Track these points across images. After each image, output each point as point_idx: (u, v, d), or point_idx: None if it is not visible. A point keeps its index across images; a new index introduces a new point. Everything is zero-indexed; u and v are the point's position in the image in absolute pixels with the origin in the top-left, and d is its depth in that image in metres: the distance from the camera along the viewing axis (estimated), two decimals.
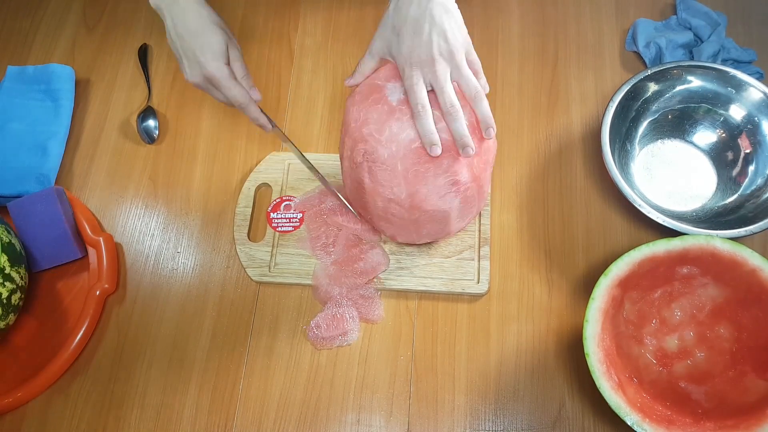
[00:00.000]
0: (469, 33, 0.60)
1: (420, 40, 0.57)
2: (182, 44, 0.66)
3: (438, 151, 0.58)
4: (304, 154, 0.75)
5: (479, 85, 0.59)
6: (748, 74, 0.75)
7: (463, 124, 0.57)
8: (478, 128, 0.60)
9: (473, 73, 0.60)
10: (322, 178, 0.74)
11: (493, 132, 0.59)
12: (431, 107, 0.58)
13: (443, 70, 0.58)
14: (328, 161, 0.80)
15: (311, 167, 0.74)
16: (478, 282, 0.72)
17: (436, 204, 0.61)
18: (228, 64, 0.67)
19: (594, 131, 0.81)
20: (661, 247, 0.64)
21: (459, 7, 0.60)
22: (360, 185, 0.63)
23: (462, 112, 0.58)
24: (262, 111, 0.70)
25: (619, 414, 0.59)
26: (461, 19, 0.59)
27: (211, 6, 0.68)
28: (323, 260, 0.74)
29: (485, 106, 0.59)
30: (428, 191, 0.60)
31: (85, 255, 0.77)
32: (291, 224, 0.76)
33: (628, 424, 0.59)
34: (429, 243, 0.74)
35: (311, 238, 0.75)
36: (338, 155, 0.80)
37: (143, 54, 0.89)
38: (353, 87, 0.65)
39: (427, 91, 0.58)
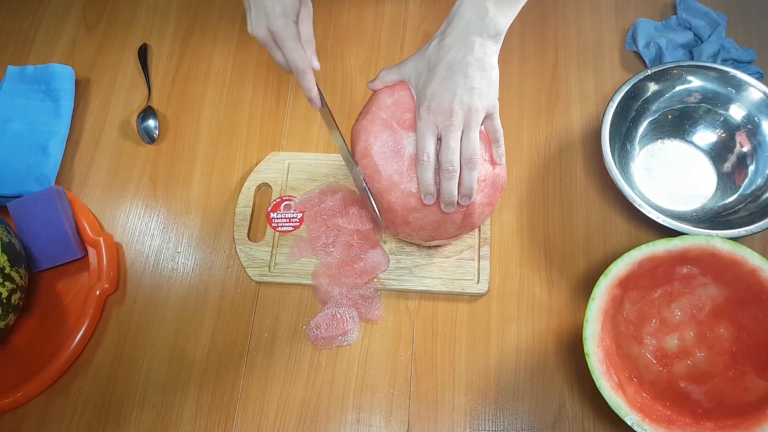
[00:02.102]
0: None
1: (446, 87, 0.57)
2: None
3: (431, 201, 0.60)
4: (306, 153, 0.74)
5: (477, 155, 0.58)
6: (748, 74, 0.75)
7: (454, 185, 0.59)
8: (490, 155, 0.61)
9: (492, 140, 0.60)
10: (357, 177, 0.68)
11: (468, 200, 0.60)
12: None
13: (456, 127, 0.58)
14: (328, 161, 0.80)
15: (349, 160, 0.68)
16: (478, 282, 0.72)
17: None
18: (296, 22, 0.60)
19: (594, 131, 0.81)
20: (661, 247, 0.64)
21: (461, 53, 0.59)
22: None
23: (457, 173, 0.59)
24: (318, 87, 0.63)
25: (619, 414, 0.59)
26: (497, 80, 0.59)
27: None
28: (323, 260, 0.74)
29: (473, 176, 0.59)
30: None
31: (85, 255, 0.77)
32: (291, 224, 0.76)
33: (628, 424, 0.59)
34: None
35: (311, 238, 0.75)
36: (339, 155, 0.80)
37: (143, 54, 0.89)
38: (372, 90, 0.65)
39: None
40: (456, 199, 0.60)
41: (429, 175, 0.59)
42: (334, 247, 0.74)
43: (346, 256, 0.73)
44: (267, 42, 0.60)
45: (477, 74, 0.57)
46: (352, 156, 0.65)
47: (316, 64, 0.62)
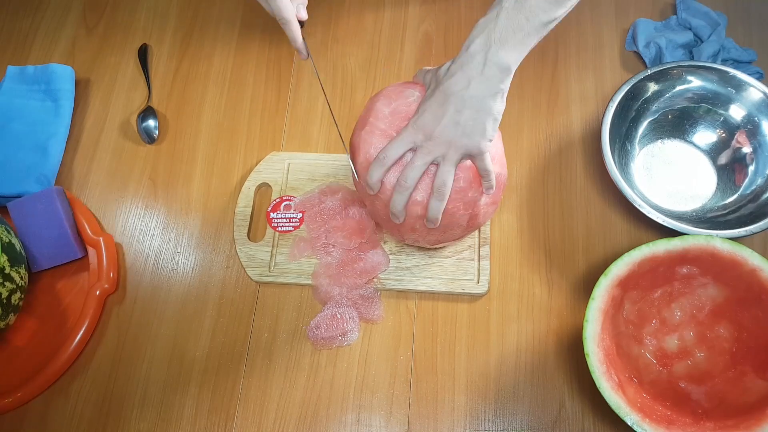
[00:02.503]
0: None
1: (436, 112, 0.57)
2: None
3: (399, 221, 0.62)
4: (306, 153, 0.74)
5: (447, 188, 0.59)
6: (748, 74, 0.75)
7: (441, 207, 0.60)
8: (478, 179, 0.61)
9: (482, 178, 0.60)
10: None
11: (432, 225, 0.61)
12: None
13: (431, 152, 0.58)
14: (328, 161, 0.80)
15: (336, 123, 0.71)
16: (478, 282, 0.72)
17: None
18: None
19: (594, 131, 0.81)
20: (661, 247, 0.64)
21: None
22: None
23: (409, 191, 0.59)
24: (303, 38, 0.64)
25: (619, 414, 0.59)
26: (493, 122, 0.57)
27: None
28: (323, 260, 0.73)
29: (440, 207, 0.60)
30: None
31: (85, 255, 0.77)
32: (291, 224, 0.76)
33: (628, 424, 0.59)
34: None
35: (311, 238, 0.75)
36: (338, 155, 0.80)
37: (143, 54, 0.89)
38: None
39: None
40: (439, 219, 0.60)
41: (403, 200, 0.60)
42: (334, 248, 0.74)
43: (346, 256, 0.73)
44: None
45: (467, 113, 0.56)
46: (354, 165, 0.65)
47: (303, 14, 0.63)
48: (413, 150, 0.59)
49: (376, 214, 0.66)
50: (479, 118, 0.56)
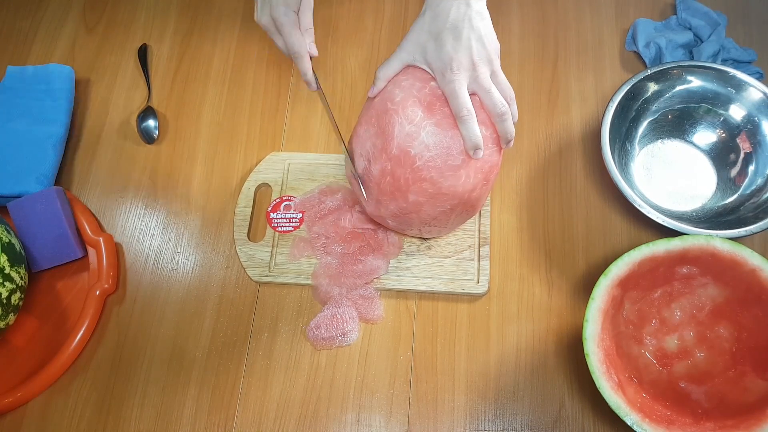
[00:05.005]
0: None
1: (460, 45, 0.59)
2: None
3: (480, 154, 0.60)
4: (306, 153, 0.75)
5: (512, 91, 0.61)
6: (748, 74, 0.75)
7: (512, 123, 0.61)
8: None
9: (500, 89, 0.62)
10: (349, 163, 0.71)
11: (511, 144, 0.63)
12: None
13: (485, 74, 0.59)
14: (328, 161, 0.80)
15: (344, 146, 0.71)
16: (478, 282, 0.72)
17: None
18: (296, 12, 0.65)
19: (594, 131, 0.81)
20: (661, 247, 0.64)
21: (461, 9, 0.60)
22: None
23: (509, 112, 0.61)
24: (313, 71, 0.67)
25: (619, 414, 0.59)
26: (491, 27, 0.61)
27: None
28: (323, 260, 0.73)
29: (515, 109, 0.62)
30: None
31: (85, 255, 0.77)
32: (291, 224, 0.76)
33: (628, 424, 0.59)
34: (429, 242, 0.74)
35: (311, 238, 0.75)
36: (339, 155, 0.80)
37: (143, 54, 0.89)
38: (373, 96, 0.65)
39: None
40: (479, 140, 0.60)
41: (474, 126, 0.59)
42: (334, 246, 0.74)
43: (346, 258, 0.73)
44: (269, 28, 0.64)
45: (480, 24, 0.59)
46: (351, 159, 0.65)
47: (314, 51, 0.66)
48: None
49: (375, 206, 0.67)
50: (488, 23, 0.60)
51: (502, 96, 0.60)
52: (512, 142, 0.63)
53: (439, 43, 0.59)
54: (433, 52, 0.60)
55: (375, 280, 0.73)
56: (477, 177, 0.62)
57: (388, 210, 0.65)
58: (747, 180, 0.75)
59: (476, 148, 0.60)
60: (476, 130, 0.59)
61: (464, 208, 0.65)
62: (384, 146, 0.61)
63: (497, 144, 0.62)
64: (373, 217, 0.69)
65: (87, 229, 0.76)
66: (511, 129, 0.62)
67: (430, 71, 0.61)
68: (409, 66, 0.63)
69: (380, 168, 0.62)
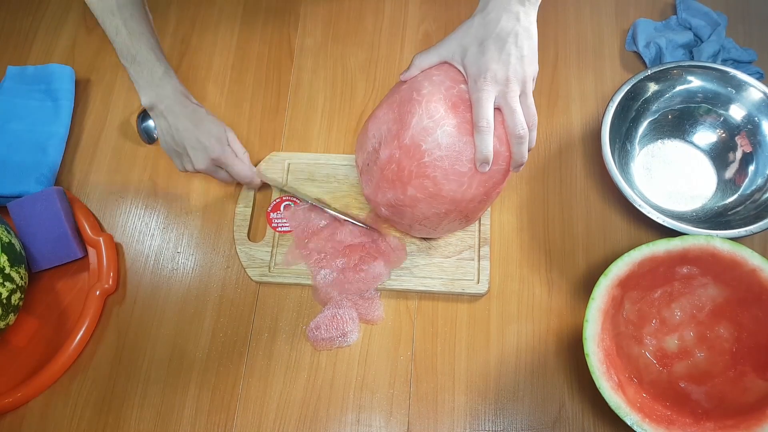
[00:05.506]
0: None
1: (500, 58, 0.58)
2: (185, 137, 0.69)
3: (486, 168, 0.60)
4: (306, 153, 0.74)
5: (536, 117, 0.61)
6: (748, 74, 0.75)
7: (525, 148, 0.61)
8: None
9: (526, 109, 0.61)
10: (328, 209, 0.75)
11: (521, 169, 0.64)
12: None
13: (515, 93, 0.59)
14: (328, 161, 0.80)
15: (318, 201, 0.76)
16: (478, 282, 0.72)
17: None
18: (229, 145, 0.71)
19: (594, 131, 0.81)
20: (661, 247, 0.64)
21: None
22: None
23: (527, 136, 0.60)
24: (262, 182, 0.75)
25: (619, 414, 0.59)
26: (536, 48, 0.60)
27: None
28: (321, 273, 0.73)
29: (534, 136, 0.61)
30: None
31: (85, 255, 0.77)
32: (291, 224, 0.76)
33: (628, 424, 0.59)
34: (429, 242, 0.74)
35: (303, 255, 0.74)
36: (338, 155, 0.80)
37: None
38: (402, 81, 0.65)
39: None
40: (489, 153, 0.60)
41: (489, 140, 0.59)
42: (334, 261, 0.73)
43: (345, 268, 0.72)
44: (211, 170, 0.71)
45: (526, 43, 0.59)
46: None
47: (254, 171, 0.74)
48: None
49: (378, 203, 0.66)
50: (533, 44, 0.60)
51: (526, 119, 0.60)
52: (522, 168, 0.63)
53: (481, 49, 0.59)
54: (473, 56, 0.60)
55: None
56: (478, 189, 0.62)
57: (384, 197, 0.65)
58: (747, 180, 0.75)
59: (485, 162, 0.60)
60: (490, 144, 0.59)
61: (458, 216, 0.64)
62: (398, 133, 0.61)
63: (507, 164, 0.62)
64: (368, 201, 0.69)
65: (87, 229, 0.76)
66: (525, 154, 0.61)
67: (464, 74, 0.61)
68: (445, 62, 0.63)
69: (389, 153, 0.62)
